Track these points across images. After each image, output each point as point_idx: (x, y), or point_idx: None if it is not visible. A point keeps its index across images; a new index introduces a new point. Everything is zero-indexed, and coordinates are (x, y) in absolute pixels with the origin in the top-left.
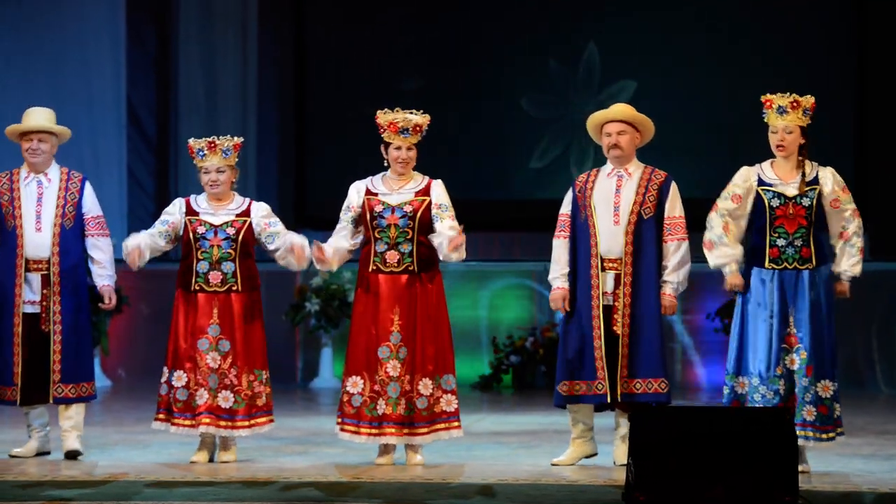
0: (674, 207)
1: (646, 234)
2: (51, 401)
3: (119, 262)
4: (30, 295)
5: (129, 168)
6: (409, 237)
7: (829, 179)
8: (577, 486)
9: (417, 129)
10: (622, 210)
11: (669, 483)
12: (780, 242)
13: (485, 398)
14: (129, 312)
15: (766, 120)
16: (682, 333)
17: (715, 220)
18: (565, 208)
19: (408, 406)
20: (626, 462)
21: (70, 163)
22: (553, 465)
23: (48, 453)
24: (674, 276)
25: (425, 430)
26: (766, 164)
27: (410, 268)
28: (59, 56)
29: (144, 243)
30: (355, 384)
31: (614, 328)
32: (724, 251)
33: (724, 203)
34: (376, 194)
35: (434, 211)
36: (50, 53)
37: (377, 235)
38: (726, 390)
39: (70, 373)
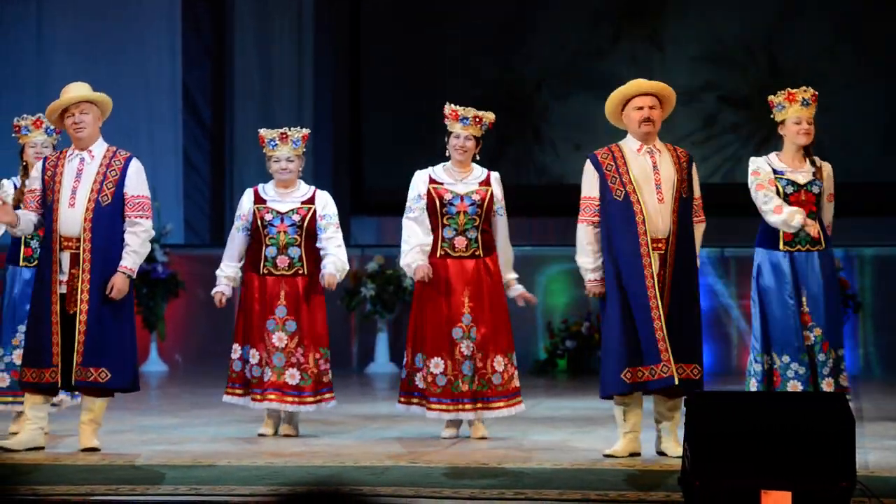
0: (697, 187)
1: (685, 212)
2: (72, 383)
3: (159, 245)
4: (60, 275)
5: (185, 153)
6: (475, 224)
7: (830, 173)
8: (634, 471)
9: (478, 120)
10: (664, 188)
11: (725, 468)
12: None
13: (540, 383)
14: (185, 297)
15: (783, 115)
16: (738, 319)
17: (770, 194)
18: (591, 191)
19: (481, 382)
20: (676, 454)
21: (127, 147)
22: (605, 456)
23: (42, 448)
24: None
25: (503, 403)
26: (771, 156)
27: (476, 252)
28: (117, 43)
29: (240, 256)
30: (438, 365)
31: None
32: (791, 208)
33: (765, 187)
34: (441, 183)
35: (495, 205)
36: (108, 41)
37: (445, 222)
38: (757, 367)
39: (93, 358)
